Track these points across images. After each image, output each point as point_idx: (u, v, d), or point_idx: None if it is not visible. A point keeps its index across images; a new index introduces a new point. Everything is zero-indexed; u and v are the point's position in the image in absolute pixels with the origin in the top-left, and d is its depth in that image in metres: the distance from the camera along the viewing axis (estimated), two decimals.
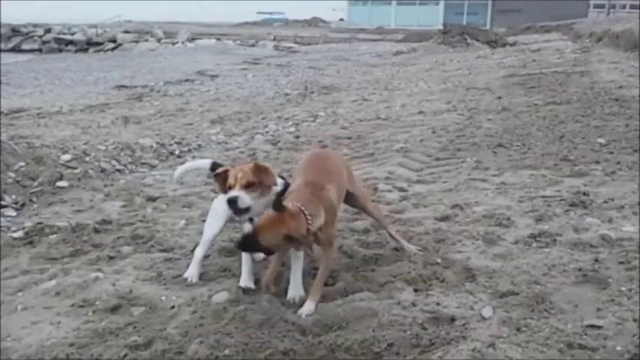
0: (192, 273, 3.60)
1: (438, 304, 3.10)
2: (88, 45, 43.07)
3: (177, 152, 7.49)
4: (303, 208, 2.95)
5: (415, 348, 2.72)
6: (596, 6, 46.61)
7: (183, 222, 4.67)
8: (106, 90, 14.36)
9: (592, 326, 2.76)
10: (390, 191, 5.38)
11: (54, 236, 4.42)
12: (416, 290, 3.32)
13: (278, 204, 2.87)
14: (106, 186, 5.85)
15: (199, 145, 7.87)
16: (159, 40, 42.18)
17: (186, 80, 16.33)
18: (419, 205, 4.94)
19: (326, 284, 3.50)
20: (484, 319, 2.92)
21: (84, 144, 7.03)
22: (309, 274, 3.60)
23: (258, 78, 16.70)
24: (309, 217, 2.94)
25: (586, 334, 2.70)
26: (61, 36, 45.28)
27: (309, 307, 3.09)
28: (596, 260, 3.48)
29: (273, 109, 11.02)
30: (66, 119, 9.63)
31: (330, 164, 3.44)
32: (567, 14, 39.47)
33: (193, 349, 2.72)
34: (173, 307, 3.24)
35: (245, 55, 27.20)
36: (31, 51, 41.40)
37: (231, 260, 3.80)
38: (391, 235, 3.89)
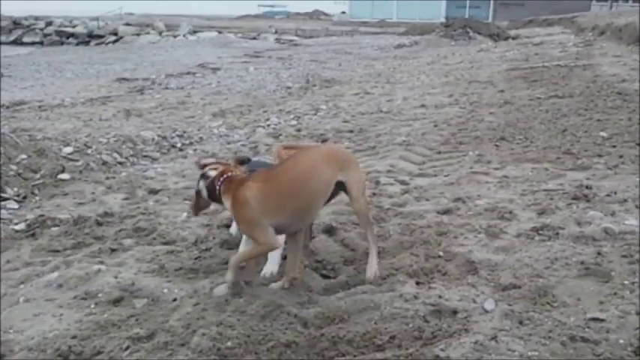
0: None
1: (440, 297, 3.10)
2: (90, 38, 43.02)
3: (178, 145, 7.50)
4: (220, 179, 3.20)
5: (417, 341, 2.72)
6: None
7: (185, 214, 4.68)
8: (107, 83, 14.33)
9: (594, 319, 2.76)
10: (391, 184, 5.37)
11: (56, 229, 4.43)
12: (418, 283, 3.32)
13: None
14: (107, 179, 5.85)
15: (201, 138, 7.87)
16: (160, 33, 42.09)
17: (188, 73, 16.29)
18: (421, 198, 4.94)
19: (328, 277, 3.52)
20: (486, 312, 2.92)
21: (85, 137, 7.03)
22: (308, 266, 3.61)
23: (259, 71, 16.66)
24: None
25: (588, 327, 2.70)
26: (63, 29, 45.20)
27: (228, 276, 3.19)
28: (599, 253, 3.47)
29: (274, 103, 11.00)
30: (67, 112, 9.62)
31: (298, 162, 3.24)
32: (570, 7, 39.27)
33: (195, 341, 2.72)
34: (175, 300, 3.25)
35: (246, 48, 27.12)
36: (33, 44, 41.34)
37: (233, 253, 3.80)
38: (368, 239, 3.51)
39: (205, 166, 3.34)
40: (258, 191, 3.09)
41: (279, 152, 3.82)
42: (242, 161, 3.52)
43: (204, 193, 3.26)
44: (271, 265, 3.53)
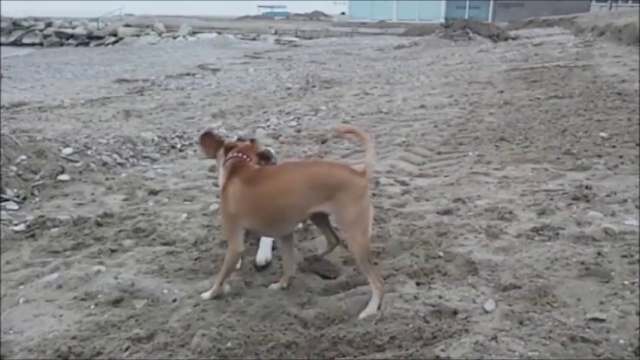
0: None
1: (440, 297, 3.09)
2: (89, 39, 43.00)
3: (178, 146, 7.49)
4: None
5: (417, 341, 2.71)
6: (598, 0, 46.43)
7: (184, 215, 4.67)
8: (107, 84, 14.33)
9: (595, 319, 2.76)
10: (391, 185, 5.37)
11: (56, 229, 4.42)
12: (418, 283, 3.32)
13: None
14: (107, 179, 5.85)
15: None
16: (160, 34, 42.08)
17: (188, 74, 16.30)
18: (421, 198, 4.93)
19: (328, 277, 3.51)
20: (486, 312, 2.92)
21: (85, 138, 7.03)
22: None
23: (259, 72, 16.67)
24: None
25: (589, 328, 2.70)
26: (62, 30, 45.17)
27: (206, 295, 3.22)
28: (599, 254, 3.47)
29: (274, 103, 11.00)
30: (67, 113, 9.62)
31: (281, 176, 3.12)
32: (570, 8, 39.29)
33: (195, 342, 2.72)
34: (175, 300, 3.24)
35: (246, 49, 27.13)
36: (32, 45, 41.31)
37: None
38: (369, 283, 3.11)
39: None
40: (238, 190, 3.10)
41: (343, 131, 3.76)
42: (264, 156, 3.48)
43: (222, 150, 3.35)
44: (264, 251, 3.60)
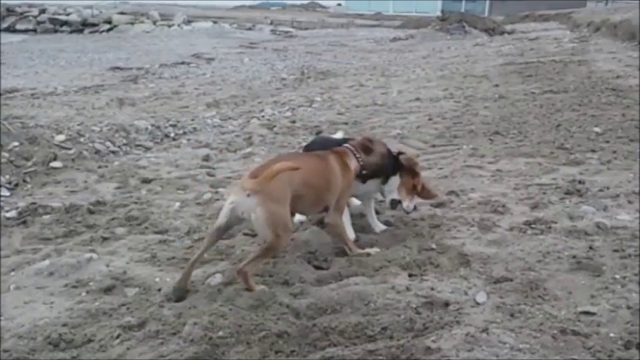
0: None
1: (432, 289, 3.10)
2: (83, 26, 42.58)
3: (172, 135, 7.46)
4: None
5: (409, 332, 2.72)
6: None
7: (177, 204, 4.66)
8: (100, 71, 14.23)
9: (586, 313, 2.77)
10: None
11: (47, 217, 4.40)
12: (410, 275, 3.32)
13: None
14: (100, 167, 5.82)
15: (194, 128, 7.84)
16: (155, 22, 41.74)
17: (182, 63, 16.19)
18: None
19: (320, 268, 3.51)
20: (478, 304, 2.93)
21: (78, 125, 6.98)
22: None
23: (254, 62, 16.58)
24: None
25: (579, 321, 2.71)
26: (56, 16, 44.71)
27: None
28: (591, 248, 3.49)
29: (269, 94, 10.96)
30: (60, 100, 9.56)
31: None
32: (566, 3, 39.26)
33: (187, 330, 2.71)
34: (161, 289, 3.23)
35: (242, 39, 27.00)
36: (26, 31, 40.90)
37: (225, 244, 3.80)
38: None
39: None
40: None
41: None
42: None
43: None
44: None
